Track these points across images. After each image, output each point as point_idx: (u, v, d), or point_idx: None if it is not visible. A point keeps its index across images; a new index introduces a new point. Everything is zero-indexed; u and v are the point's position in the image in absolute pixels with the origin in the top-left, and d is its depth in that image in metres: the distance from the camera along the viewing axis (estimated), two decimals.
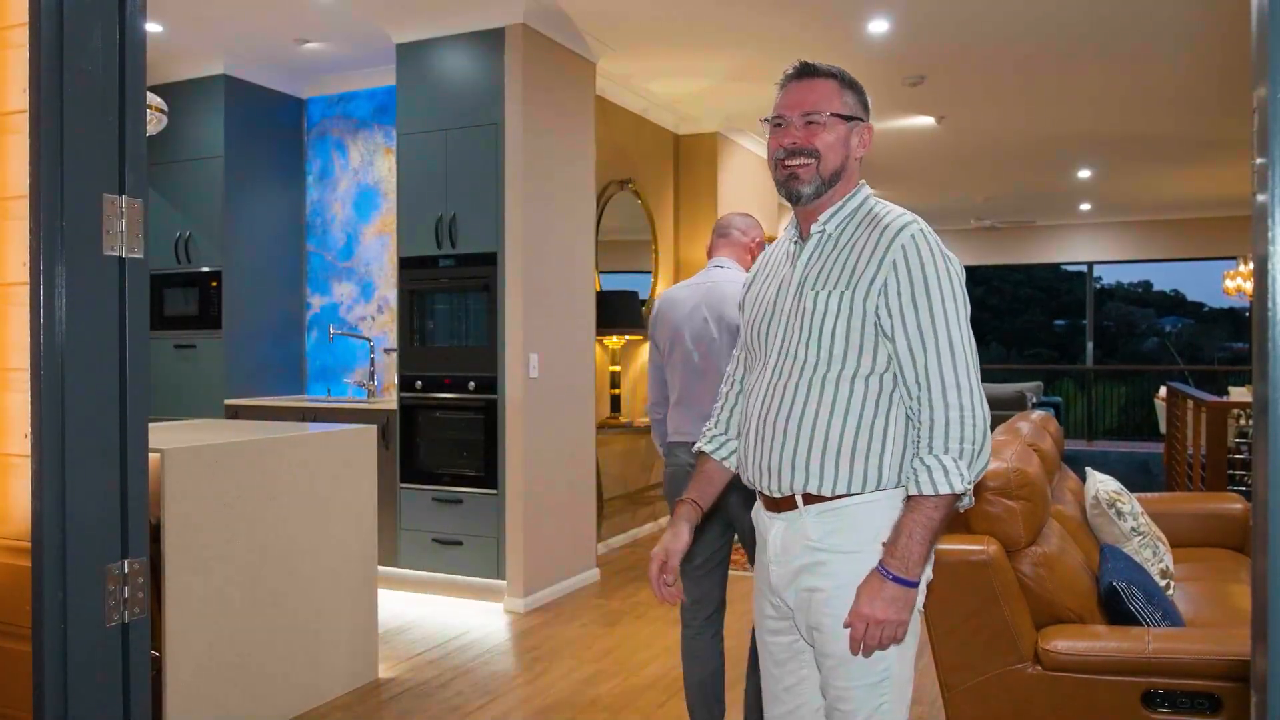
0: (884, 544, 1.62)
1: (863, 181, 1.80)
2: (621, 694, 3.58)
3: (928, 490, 1.58)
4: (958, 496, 1.60)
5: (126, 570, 1.58)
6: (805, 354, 1.69)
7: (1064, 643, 2.35)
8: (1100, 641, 2.35)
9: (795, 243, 1.81)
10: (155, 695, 2.77)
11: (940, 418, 1.59)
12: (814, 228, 1.75)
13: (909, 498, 1.61)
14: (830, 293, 1.67)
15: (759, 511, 1.83)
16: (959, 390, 1.59)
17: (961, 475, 1.57)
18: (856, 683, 1.65)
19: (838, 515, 1.67)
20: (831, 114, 1.71)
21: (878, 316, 1.64)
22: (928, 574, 1.68)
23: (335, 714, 3.39)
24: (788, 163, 1.72)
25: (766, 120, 1.77)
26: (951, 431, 1.58)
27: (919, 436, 1.62)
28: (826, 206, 1.75)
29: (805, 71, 1.75)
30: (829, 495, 1.66)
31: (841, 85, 1.74)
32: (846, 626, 1.63)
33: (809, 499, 1.68)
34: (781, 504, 1.73)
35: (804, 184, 1.71)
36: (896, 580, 1.58)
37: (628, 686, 3.65)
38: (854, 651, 1.62)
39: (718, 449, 1.97)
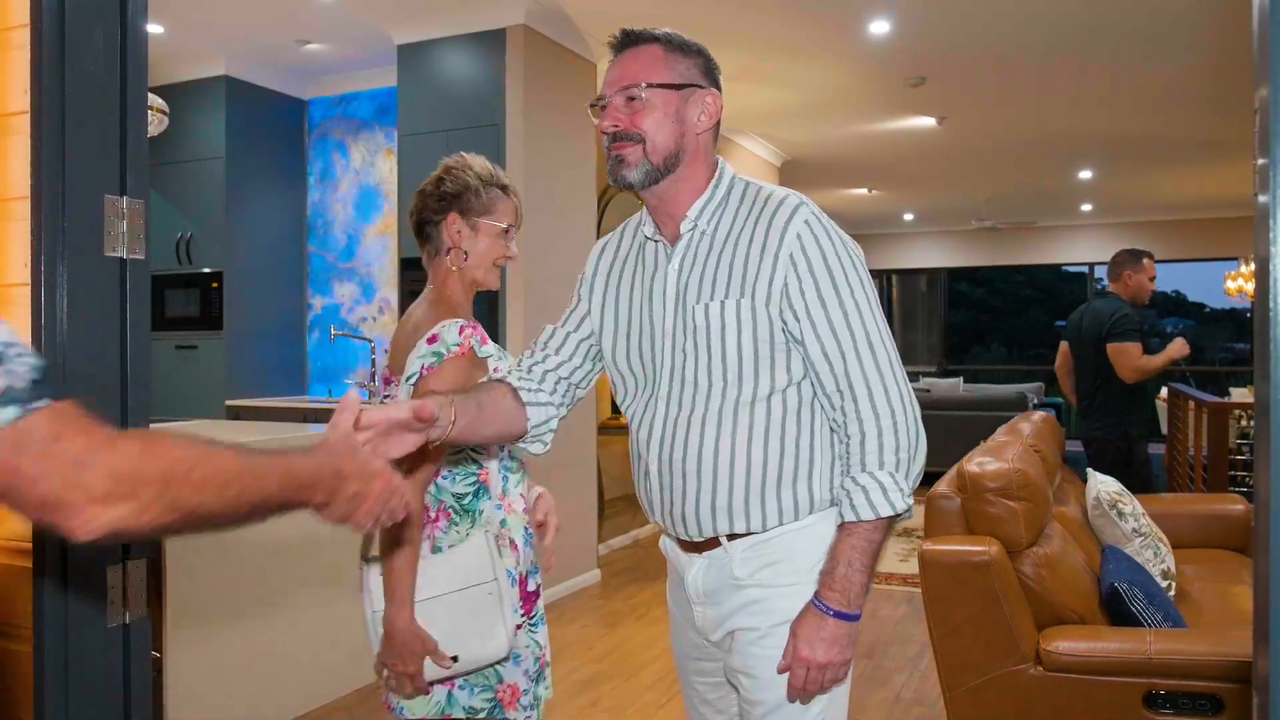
0: (821, 574, 1.41)
1: (720, 158, 1.53)
2: (622, 695, 3.58)
3: (866, 515, 1.36)
4: (899, 515, 1.38)
5: (127, 571, 1.58)
6: (707, 380, 1.44)
7: (1066, 643, 2.34)
8: (1102, 642, 2.34)
9: (655, 240, 1.53)
10: (156, 696, 2.77)
11: (871, 429, 1.37)
12: (684, 226, 1.48)
13: (843, 523, 1.39)
14: (724, 303, 1.42)
15: (668, 544, 1.60)
16: (886, 394, 1.38)
17: (901, 490, 1.37)
18: None
19: (769, 547, 1.45)
20: (650, 85, 1.42)
21: (784, 322, 1.40)
22: None
23: (336, 714, 3.39)
24: (612, 149, 1.45)
25: (592, 105, 1.51)
26: (885, 442, 1.37)
27: (848, 452, 1.40)
28: (686, 197, 1.48)
29: (626, 40, 1.49)
30: (758, 531, 1.45)
31: (668, 50, 1.46)
32: (783, 672, 1.42)
33: (734, 536, 1.47)
34: (701, 545, 1.51)
35: (630, 168, 1.44)
36: (839, 616, 1.37)
37: (628, 687, 3.64)
38: (792, 699, 1.42)
39: (526, 391, 1.57)
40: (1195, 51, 5.45)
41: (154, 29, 5.02)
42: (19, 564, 1.50)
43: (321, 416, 5.18)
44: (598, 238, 5.61)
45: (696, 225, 1.48)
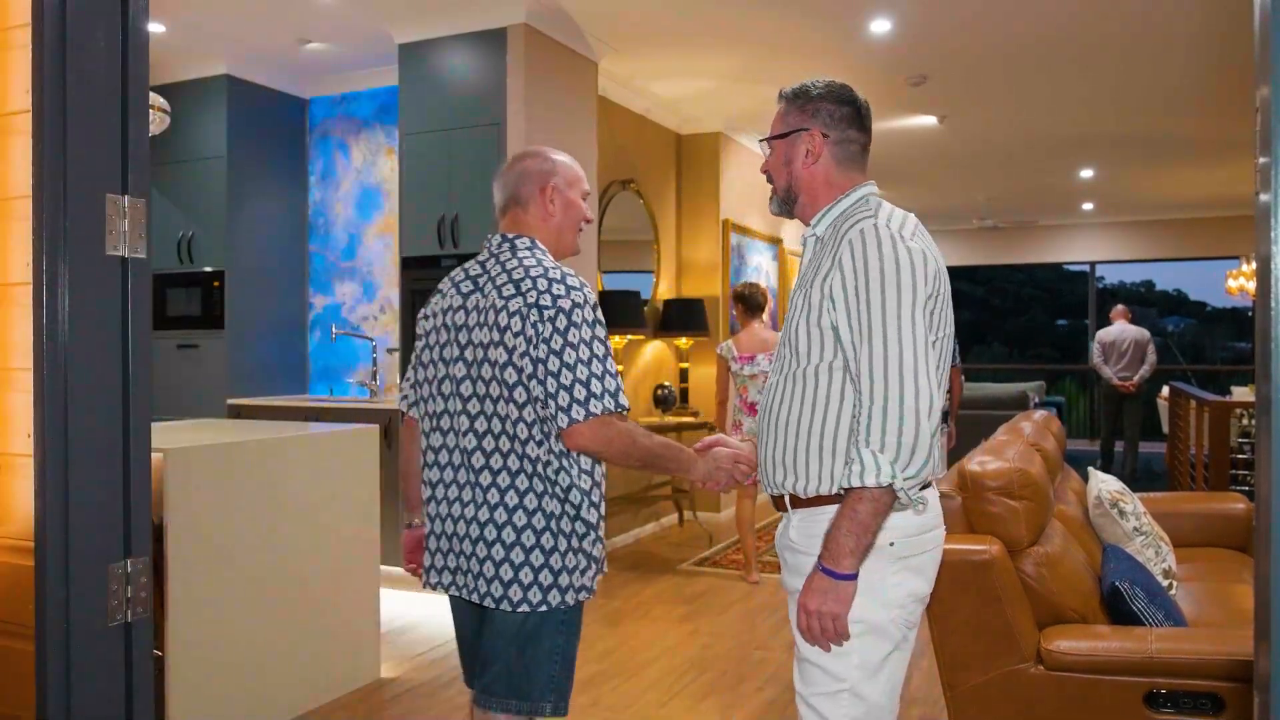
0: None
1: (861, 184, 1.80)
2: (622, 694, 3.58)
3: (844, 484, 1.59)
4: (890, 493, 1.57)
5: (129, 570, 1.58)
6: (785, 353, 1.76)
7: (1066, 643, 2.34)
8: (1103, 641, 2.34)
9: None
10: (157, 695, 2.77)
11: (866, 409, 1.57)
12: (805, 233, 1.84)
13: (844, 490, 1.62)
14: (799, 292, 1.75)
15: None
16: (887, 383, 1.56)
17: (879, 470, 1.54)
18: (815, 689, 1.69)
19: (814, 521, 1.70)
20: (764, 140, 1.86)
21: (826, 311, 1.66)
22: (887, 576, 1.65)
23: (338, 714, 3.40)
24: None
25: None
26: (874, 424, 1.56)
27: (857, 428, 1.61)
28: (812, 214, 1.83)
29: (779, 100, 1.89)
30: (805, 499, 1.71)
31: (785, 104, 1.84)
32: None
33: (794, 502, 1.74)
34: (778, 503, 1.80)
35: (771, 202, 1.88)
36: (824, 571, 1.61)
37: (629, 687, 3.64)
38: (809, 643, 1.66)
39: None
40: (1196, 51, 5.45)
41: (155, 28, 5.02)
42: (21, 563, 1.50)
43: (323, 415, 5.18)
44: (598, 236, 5.61)
45: (816, 234, 1.80)
